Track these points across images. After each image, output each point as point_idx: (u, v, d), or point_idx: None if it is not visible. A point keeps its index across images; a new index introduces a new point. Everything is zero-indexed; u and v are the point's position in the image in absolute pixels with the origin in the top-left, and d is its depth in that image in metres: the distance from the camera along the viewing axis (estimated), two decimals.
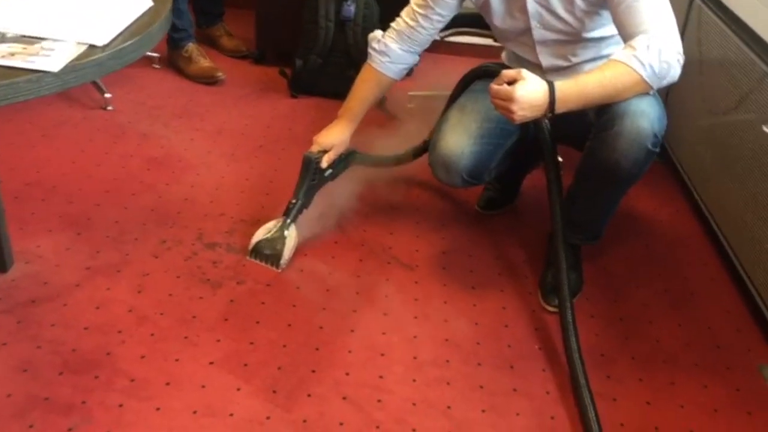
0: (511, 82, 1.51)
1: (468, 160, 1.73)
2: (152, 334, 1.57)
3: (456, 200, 2.15)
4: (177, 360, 1.51)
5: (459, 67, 2.48)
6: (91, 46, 1.14)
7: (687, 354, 1.67)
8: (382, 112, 2.49)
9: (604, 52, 1.74)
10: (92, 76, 1.12)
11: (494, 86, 1.52)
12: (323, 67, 2.58)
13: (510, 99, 1.48)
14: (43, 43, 1.09)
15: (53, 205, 1.94)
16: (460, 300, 1.77)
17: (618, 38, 1.70)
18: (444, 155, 1.74)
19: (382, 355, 1.59)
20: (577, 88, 1.50)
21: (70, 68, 1.08)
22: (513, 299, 1.79)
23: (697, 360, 1.66)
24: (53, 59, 1.05)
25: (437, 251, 1.93)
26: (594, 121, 1.62)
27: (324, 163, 1.85)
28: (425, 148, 1.98)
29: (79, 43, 1.14)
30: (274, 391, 1.46)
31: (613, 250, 1.98)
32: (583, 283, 1.82)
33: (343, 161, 1.93)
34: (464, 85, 1.91)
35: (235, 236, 1.90)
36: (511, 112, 1.49)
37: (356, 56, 2.53)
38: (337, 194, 2.00)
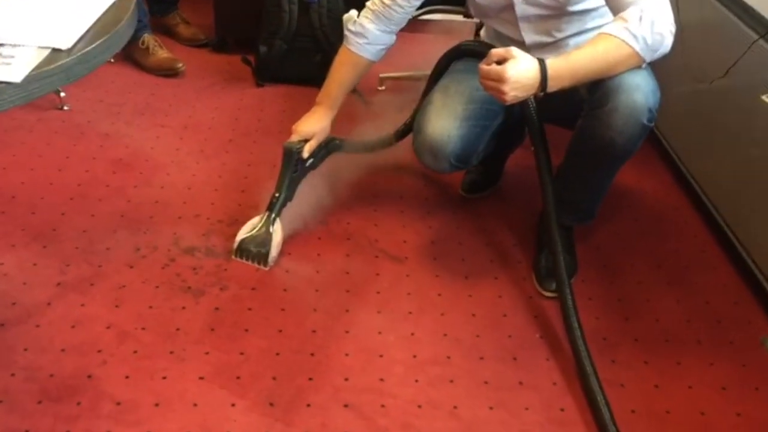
0: (501, 62, 1.43)
1: (455, 145, 1.66)
2: (135, 352, 1.48)
3: (439, 185, 2.08)
4: (164, 378, 1.42)
5: (429, 46, 2.41)
6: (55, 50, 1.03)
7: (689, 331, 1.63)
8: (354, 97, 2.39)
9: (589, 25, 1.67)
10: (59, 84, 1.01)
11: (484, 66, 1.45)
12: (289, 53, 2.47)
13: (501, 79, 1.41)
14: (1, 50, 0.98)
15: (14, 217, 1.82)
16: (455, 291, 1.70)
17: (602, 11, 1.64)
18: (430, 140, 1.66)
19: (381, 356, 1.52)
20: (569, 65, 1.43)
21: (34, 77, 0.97)
22: (508, 286, 1.73)
23: (700, 337, 1.62)
24: (14, 68, 0.94)
25: (426, 241, 1.86)
26: (586, 98, 1.56)
27: (305, 153, 1.77)
28: (407, 130, 1.91)
29: (40, 48, 1.03)
30: (272, 404, 1.38)
31: (602, 227, 1.93)
32: (577, 265, 1.77)
33: (324, 149, 1.85)
34: (444, 65, 1.83)
35: (213, 238, 1.80)
36: (502, 93, 1.42)
37: (323, 39, 2.43)
38: (318, 185, 1.91)
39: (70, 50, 1.04)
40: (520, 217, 1.96)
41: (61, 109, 2.27)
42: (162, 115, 2.31)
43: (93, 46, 1.07)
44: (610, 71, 1.47)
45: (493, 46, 1.70)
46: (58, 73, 1.01)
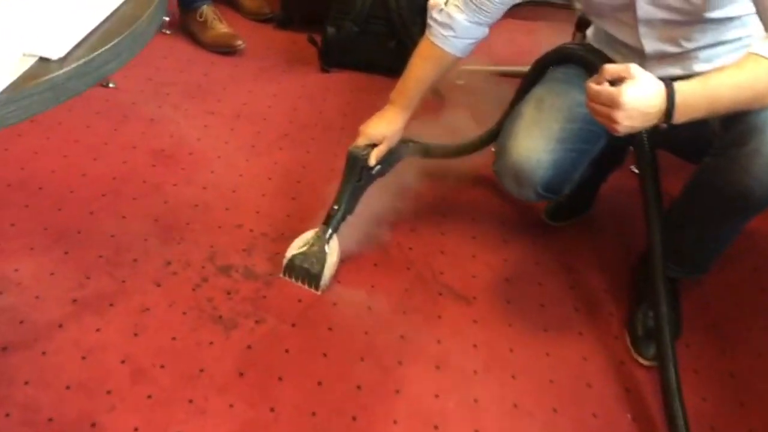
0: (615, 81, 1.13)
1: (546, 171, 1.37)
2: (149, 396, 1.26)
3: (520, 207, 1.79)
4: None
5: (523, 36, 2.08)
6: (43, 60, 0.80)
7: None
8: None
9: (727, 36, 1.34)
10: (42, 107, 0.77)
11: (593, 86, 1.15)
12: (359, 36, 2.20)
13: (614, 104, 1.11)
14: None
15: (38, 213, 1.62)
16: (530, 347, 1.43)
17: (746, 19, 1.31)
18: (516, 163, 1.37)
19: (436, 427, 1.26)
20: (705, 92, 1.12)
21: (10, 98, 0.73)
22: (595, 346, 1.44)
23: None
24: None
25: (499, 277, 1.59)
26: (719, 133, 1.25)
27: (372, 161, 1.52)
28: (490, 138, 1.64)
29: (24, 56, 0.79)
30: None
31: (712, 278, 1.61)
32: (681, 326, 1.47)
33: (394, 154, 1.59)
34: (540, 70, 1.52)
35: (255, 256, 1.57)
36: (613, 121, 1.12)
37: (399, 24, 2.15)
38: (379, 197, 1.65)
39: (62, 60, 0.80)
40: (615, 254, 1.66)
41: (107, 86, 2.06)
42: (214, 99, 2.07)
43: (95, 54, 0.82)
44: (755, 103, 1.15)
45: (605, 56, 1.39)
46: (43, 91, 0.77)
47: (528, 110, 1.42)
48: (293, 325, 1.42)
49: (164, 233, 1.60)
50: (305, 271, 1.50)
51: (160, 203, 1.68)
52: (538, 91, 1.46)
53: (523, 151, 1.37)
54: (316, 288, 1.49)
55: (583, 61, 1.38)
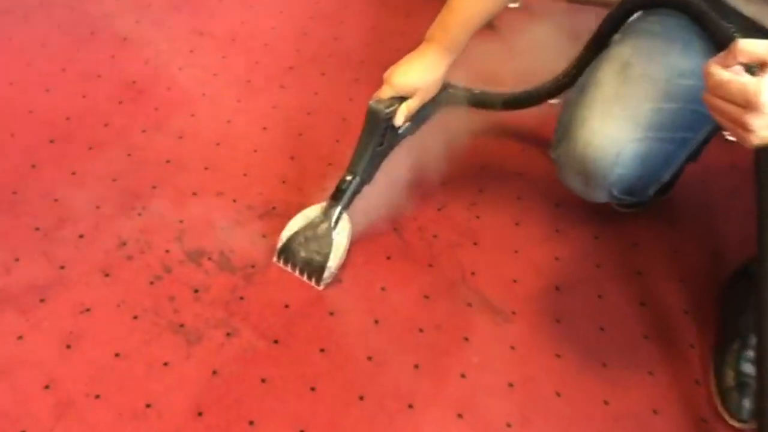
0: (753, 68, 0.75)
1: (628, 169, 0.99)
2: None
3: None
4: None
5: None
6: None
7: None
8: None
9: None
10: None
11: (717, 70, 0.76)
12: None
13: (750, 104, 0.73)
14: None
15: None
16: (584, 391, 1.09)
17: None
18: (586, 157, 0.99)
19: None
20: None
21: None
22: (668, 393, 1.10)
23: None
24: None
25: (547, 284, 1.23)
26: None
27: (399, 119, 1.15)
28: (556, 88, 1.25)
29: None
30: None
31: None
32: None
33: (429, 107, 1.21)
34: (627, 12, 1.11)
35: (236, 237, 1.22)
36: (746, 128, 0.74)
37: None
38: (397, 164, 1.28)
39: None
40: (699, 262, 1.28)
41: None
42: (206, 15, 1.68)
43: None
44: None
45: (733, 10, 0.98)
46: None
47: (607, 78, 1.02)
48: (275, 342, 1.09)
49: (123, 199, 1.26)
50: (305, 260, 1.16)
51: (123, 157, 1.33)
52: (622, 51, 1.05)
53: (598, 139, 0.98)
54: (318, 281, 1.16)
55: (701, 18, 0.96)
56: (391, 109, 1.13)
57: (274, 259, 1.19)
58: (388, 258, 1.23)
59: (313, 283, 1.16)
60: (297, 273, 1.17)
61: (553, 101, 1.35)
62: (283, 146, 1.39)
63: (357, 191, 1.18)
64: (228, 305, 1.13)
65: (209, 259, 1.19)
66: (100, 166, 1.30)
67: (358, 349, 1.10)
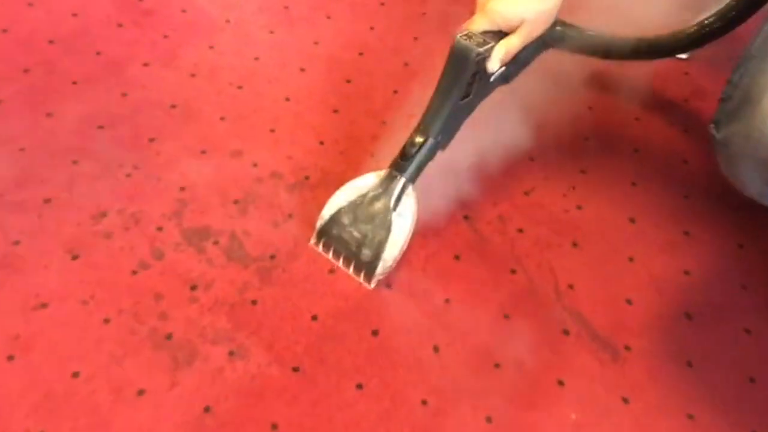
0: None
1: None
2: None
3: (711, 166, 1.05)
4: None
5: None
6: None
7: None
8: None
9: None
10: None
11: None
12: None
13: None
14: None
15: None
16: None
17: None
18: None
19: None
20: None
21: None
22: None
23: None
24: None
25: (673, 308, 0.89)
26: None
27: (495, 62, 0.83)
28: (709, 33, 0.93)
29: None
30: None
31: None
32: None
33: (532, 49, 0.89)
34: None
35: (253, 215, 0.91)
36: None
37: None
38: (476, 126, 0.94)
39: None
40: None
41: None
42: None
43: None
44: None
45: None
46: None
47: None
48: (295, 370, 0.78)
49: (108, 154, 0.95)
50: (352, 247, 0.86)
51: (116, 96, 1.02)
52: None
53: None
54: (367, 277, 0.86)
55: None
56: (485, 48, 0.81)
57: (312, 241, 0.89)
58: (456, 258, 0.90)
59: (361, 279, 0.86)
60: (341, 263, 0.87)
61: (682, 56, 1.00)
62: (325, 95, 1.06)
63: (429, 158, 0.86)
64: (234, 311, 0.82)
65: (215, 243, 0.88)
66: (85, 107, 0.99)
67: (410, 387, 0.78)
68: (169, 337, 0.79)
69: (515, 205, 0.97)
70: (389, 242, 0.84)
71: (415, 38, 1.16)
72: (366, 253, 0.85)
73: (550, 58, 0.95)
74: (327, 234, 0.87)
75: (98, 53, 1.07)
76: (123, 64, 1.06)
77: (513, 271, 0.90)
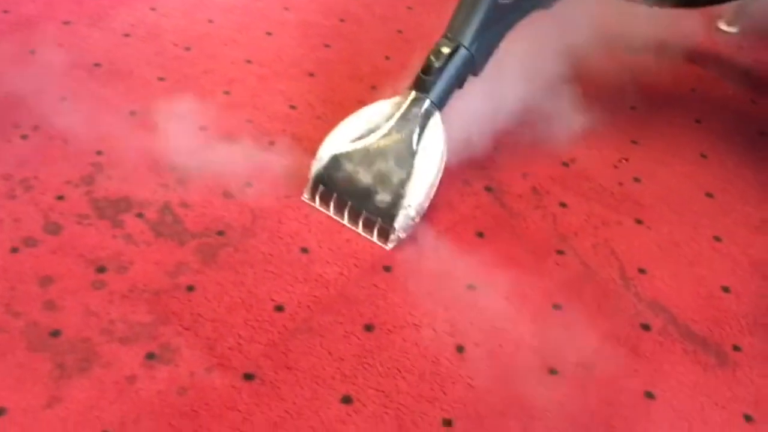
0: None
1: None
2: None
3: None
4: None
5: None
6: None
7: None
8: None
9: None
10: None
11: None
12: None
13: None
14: None
15: None
16: None
17: None
18: None
19: None
20: None
21: None
22: None
23: None
24: None
25: None
26: None
27: None
28: None
29: None
30: None
31: None
32: None
33: None
34: None
35: (195, 183, 0.65)
36: None
37: None
38: (502, 80, 0.72)
39: None
40: None
41: None
42: None
43: None
44: None
45: None
46: None
47: None
48: (248, 378, 0.51)
49: (6, 113, 0.70)
50: (364, 194, 0.63)
51: (21, 54, 0.78)
52: None
53: None
54: (385, 233, 0.62)
55: None
56: None
57: (305, 195, 0.65)
58: (480, 235, 0.65)
59: (374, 237, 0.63)
60: (346, 219, 0.64)
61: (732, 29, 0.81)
62: (298, 59, 0.83)
63: (460, 77, 0.65)
64: (160, 300, 0.55)
65: (138, 216, 0.62)
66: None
67: (425, 402, 0.51)
68: (55, 334, 0.52)
69: (552, 176, 0.72)
70: (412, 184, 0.62)
71: (409, 7, 0.95)
72: (381, 199, 0.62)
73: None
74: (326, 181, 0.64)
75: (5, 11, 0.83)
76: (35, 22, 0.82)
77: (560, 252, 0.64)
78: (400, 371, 0.53)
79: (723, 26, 0.98)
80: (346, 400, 0.50)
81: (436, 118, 0.63)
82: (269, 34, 0.87)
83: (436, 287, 0.60)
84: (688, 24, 0.96)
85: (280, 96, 0.78)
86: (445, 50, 0.63)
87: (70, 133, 0.69)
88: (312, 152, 0.67)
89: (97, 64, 0.78)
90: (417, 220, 0.62)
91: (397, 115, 0.64)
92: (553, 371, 0.55)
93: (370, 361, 0.53)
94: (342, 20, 0.91)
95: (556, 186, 0.71)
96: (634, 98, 0.84)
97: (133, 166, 0.67)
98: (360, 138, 0.64)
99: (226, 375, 0.51)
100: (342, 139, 0.64)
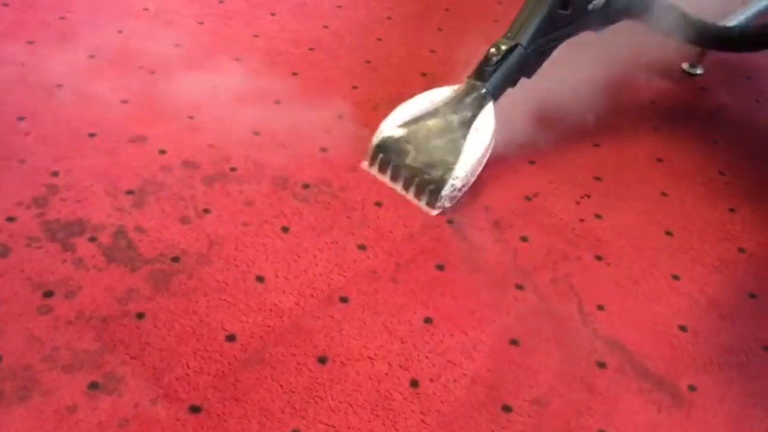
0: None
1: None
2: None
3: (752, 168, 0.84)
4: None
5: None
6: None
7: None
8: None
9: None
10: None
11: None
12: None
13: None
14: None
15: None
16: None
17: None
18: None
19: None
20: None
21: None
22: None
23: None
24: None
25: (747, 342, 0.63)
26: None
27: None
28: None
29: None
30: None
31: None
32: None
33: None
34: None
35: (152, 207, 0.64)
36: None
37: None
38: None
39: None
40: None
41: None
42: None
43: None
44: None
45: None
46: None
47: None
48: (195, 411, 0.49)
49: None
50: (419, 165, 0.69)
51: None
52: None
53: None
54: (432, 200, 0.68)
55: None
56: None
57: (365, 164, 0.72)
58: (440, 268, 0.64)
59: (423, 202, 0.69)
60: (399, 186, 0.70)
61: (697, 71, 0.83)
62: (265, 86, 0.83)
63: (516, 72, 0.73)
64: (107, 327, 0.54)
65: (91, 240, 0.60)
66: None
67: None
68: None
69: (515, 210, 0.72)
70: (462, 159, 0.68)
71: (379, 39, 0.95)
72: (433, 170, 0.68)
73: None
74: (386, 150, 0.70)
75: None
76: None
77: (519, 287, 0.64)
78: (351, 405, 0.52)
79: (687, 68, 1.00)
80: None
81: (489, 106, 0.70)
82: (238, 59, 0.87)
83: (392, 320, 0.59)
84: (652, 64, 0.97)
85: (244, 122, 0.77)
86: (504, 47, 0.70)
87: (28, 153, 0.68)
88: (272, 178, 0.67)
89: (59, 85, 0.77)
90: (463, 191, 0.69)
91: (456, 99, 0.71)
92: (507, 408, 0.54)
93: (322, 394, 0.52)
94: (311, 49, 0.91)
95: (517, 220, 0.71)
96: (598, 136, 0.84)
97: (89, 188, 0.65)
98: (420, 115, 0.71)
99: (171, 406, 0.49)
100: (403, 115, 0.71)
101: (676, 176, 0.81)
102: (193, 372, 0.52)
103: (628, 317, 0.63)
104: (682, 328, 0.63)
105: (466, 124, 0.69)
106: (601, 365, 0.58)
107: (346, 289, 0.60)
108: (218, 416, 0.49)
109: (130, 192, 0.66)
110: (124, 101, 0.77)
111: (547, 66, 0.76)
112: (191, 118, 0.76)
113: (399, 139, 0.70)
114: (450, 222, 0.69)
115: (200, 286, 0.58)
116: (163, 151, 0.71)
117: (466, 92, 0.71)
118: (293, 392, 0.52)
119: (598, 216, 0.74)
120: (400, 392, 0.53)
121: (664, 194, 0.78)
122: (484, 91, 0.71)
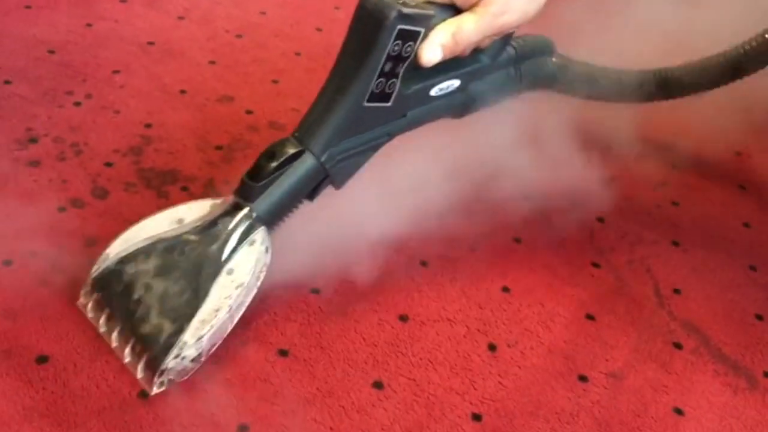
0: None
1: None
2: None
3: None
4: None
5: None
6: None
7: None
8: None
9: None
10: None
11: None
12: None
13: None
14: None
15: None
16: None
17: None
18: None
19: None
20: None
21: None
22: None
23: None
24: None
25: None
26: None
27: (433, 48, 0.49)
28: (744, 62, 0.67)
29: None
30: None
31: None
32: None
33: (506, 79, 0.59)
34: None
35: (239, 162, 0.66)
36: None
37: None
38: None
39: None
40: None
41: None
42: None
43: None
44: None
45: None
46: None
47: None
48: (282, 353, 0.51)
49: (55, 81, 0.72)
50: (138, 313, 0.48)
51: (78, 26, 0.80)
52: None
53: None
54: (149, 374, 0.47)
55: None
56: (419, 13, 0.48)
57: (81, 299, 0.50)
58: (518, 241, 0.65)
59: (138, 373, 0.47)
60: (114, 340, 0.48)
61: None
62: None
63: (301, 190, 0.50)
64: None
65: (183, 189, 0.63)
66: (36, 30, 0.77)
67: (452, 398, 0.51)
68: None
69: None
70: (201, 314, 0.47)
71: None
72: (158, 324, 0.47)
73: None
74: (107, 285, 0.49)
75: None
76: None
77: (595, 265, 0.64)
78: (431, 363, 0.53)
79: None
80: (378, 385, 0.50)
81: (260, 235, 0.48)
82: (319, 29, 0.88)
83: (471, 286, 0.60)
84: None
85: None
86: (287, 150, 0.48)
87: (123, 105, 0.70)
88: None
89: (151, 43, 0.79)
90: (198, 358, 0.47)
91: (210, 222, 0.49)
92: (583, 378, 0.54)
93: (403, 350, 0.53)
94: None
95: (594, 200, 0.71)
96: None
97: (181, 141, 0.68)
98: (160, 240, 0.49)
99: (260, 349, 0.51)
100: (139, 236, 0.50)
101: (753, 172, 0.81)
102: (281, 319, 0.53)
103: (704, 303, 0.63)
104: (759, 317, 0.63)
105: (217, 262, 0.48)
106: (678, 346, 0.59)
107: (426, 254, 0.61)
108: (305, 360, 0.51)
109: (219, 147, 0.68)
110: (212, 62, 0.79)
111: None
112: (275, 82, 0.78)
113: (124, 272, 0.48)
114: (527, 198, 0.70)
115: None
116: (249, 111, 0.73)
117: (227, 213, 0.49)
118: (375, 345, 0.53)
119: (675, 203, 0.74)
120: (478, 354, 0.54)
121: (742, 187, 0.78)
122: (245, 212, 0.49)
